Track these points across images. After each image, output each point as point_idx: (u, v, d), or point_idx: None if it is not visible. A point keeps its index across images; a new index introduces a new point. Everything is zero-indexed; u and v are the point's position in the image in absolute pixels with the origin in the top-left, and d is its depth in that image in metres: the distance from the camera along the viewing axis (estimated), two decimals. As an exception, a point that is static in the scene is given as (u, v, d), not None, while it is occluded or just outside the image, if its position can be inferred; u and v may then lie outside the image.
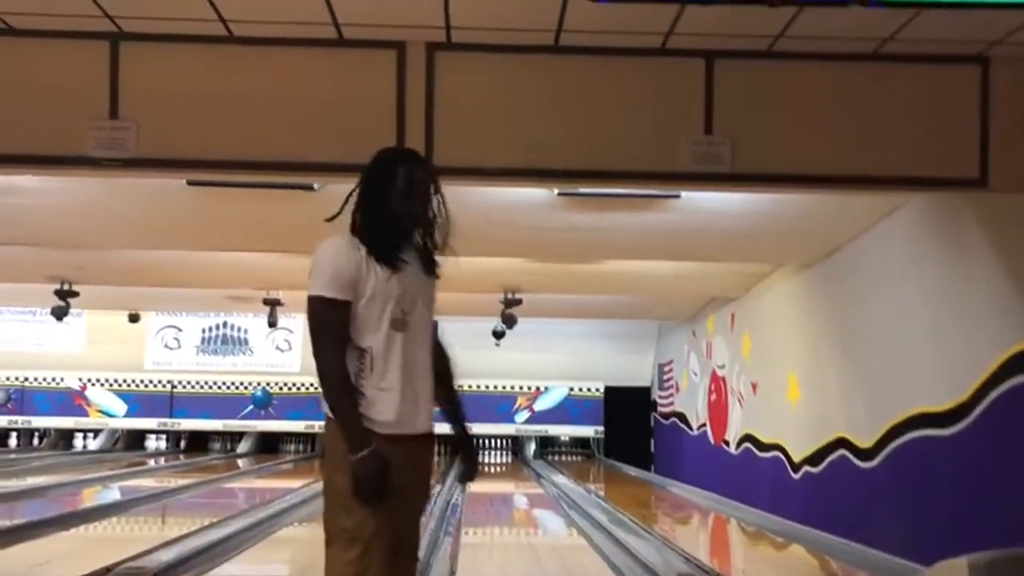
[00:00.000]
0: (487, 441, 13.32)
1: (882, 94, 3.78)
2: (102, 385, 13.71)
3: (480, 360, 11.32)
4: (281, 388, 13.72)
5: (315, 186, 5.14)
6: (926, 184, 3.92)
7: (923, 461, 5.13)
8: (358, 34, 3.69)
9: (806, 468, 6.82)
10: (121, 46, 3.71)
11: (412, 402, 2.40)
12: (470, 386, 13.31)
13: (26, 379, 13.59)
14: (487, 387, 13.05)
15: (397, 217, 2.42)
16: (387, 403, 2.37)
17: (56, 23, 3.59)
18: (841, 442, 6.18)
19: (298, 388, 13.68)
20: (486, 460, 12.81)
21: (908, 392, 5.28)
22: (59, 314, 8.65)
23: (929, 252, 5.13)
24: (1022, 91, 3.71)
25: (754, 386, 8.21)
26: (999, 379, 4.42)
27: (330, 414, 2.41)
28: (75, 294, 8.48)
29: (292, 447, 13.98)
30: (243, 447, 13.92)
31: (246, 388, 13.75)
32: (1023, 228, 4.34)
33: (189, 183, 4.78)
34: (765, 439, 7.81)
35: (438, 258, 2.53)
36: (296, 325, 13.23)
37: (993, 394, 4.46)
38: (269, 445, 13.84)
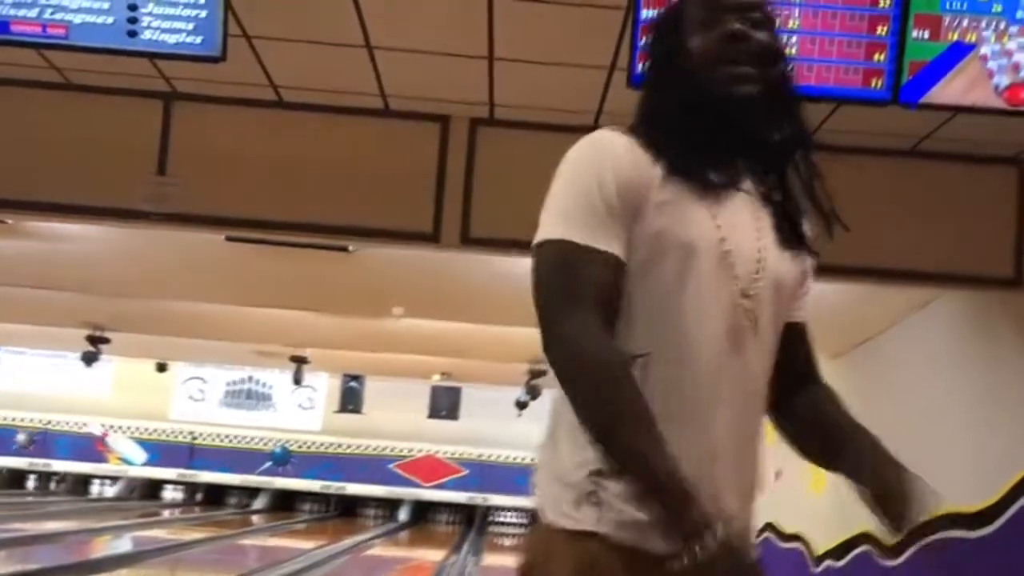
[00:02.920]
0: (504, 513, 13.16)
1: (919, 190, 3.79)
2: (124, 432, 13.76)
3: (502, 430, 11.26)
4: (300, 446, 13.68)
5: (350, 248, 5.22)
6: (960, 281, 3.90)
7: (949, 562, 5.00)
8: (404, 106, 3.78)
9: (828, 562, 6.65)
10: (174, 105, 3.84)
11: (713, 487, 1.22)
12: (490, 456, 13.22)
13: (49, 422, 13.67)
14: (507, 458, 12.93)
15: (706, 96, 1.28)
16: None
17: (114, 80, 3.72)
18: (866, 537, 6.04)
19: (318, 447, 13.64)
20: (504, 531, 12.63)
21: (936, 489, 5.17)
22: (89, 360, 8.75)
23: (962, 348, 5.08)
24: (1059, 194, 3.71)
25: (778, 474, 8.08)
26: (1031, 483, 4.32)
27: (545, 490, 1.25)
28: (107, 340, 8.59)
29: (308, 506, 13.88)
30: (259, 503, 13.85)
31: (266, 444, 13.74)
32: (1058, 330, 4.29)
33: (228, 239, 4.87)
34: (787, 529, 7.65)
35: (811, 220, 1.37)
36: (320, 384, 13.26)
37: (1023, 500, 4.36)
38: (285, 503, 13.76)
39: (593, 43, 3.16)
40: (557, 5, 2.98)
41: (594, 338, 1.17)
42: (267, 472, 13.66)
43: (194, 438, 13.70)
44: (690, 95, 1.27)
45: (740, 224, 1.26)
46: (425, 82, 3.58)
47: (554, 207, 1.24)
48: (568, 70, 3.34)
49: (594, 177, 1.22)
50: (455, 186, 3.79)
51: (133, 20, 2.58)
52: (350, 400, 13.76)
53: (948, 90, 2.51)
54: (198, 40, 2.58)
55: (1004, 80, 2.50)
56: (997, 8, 2.47)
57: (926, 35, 2.47)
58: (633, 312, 1.21)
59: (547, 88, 3.49)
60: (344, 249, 5.19)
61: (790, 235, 1.31)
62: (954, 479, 5.02)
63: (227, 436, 13.71)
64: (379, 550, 10.57)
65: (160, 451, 13.71)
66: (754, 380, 1.27)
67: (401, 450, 13.55)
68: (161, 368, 11.84)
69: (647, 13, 2.53)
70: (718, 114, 1.26)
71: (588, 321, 1.17)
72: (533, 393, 8.62)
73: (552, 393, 1.27)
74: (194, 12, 2.56)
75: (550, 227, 1.23)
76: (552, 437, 1.24)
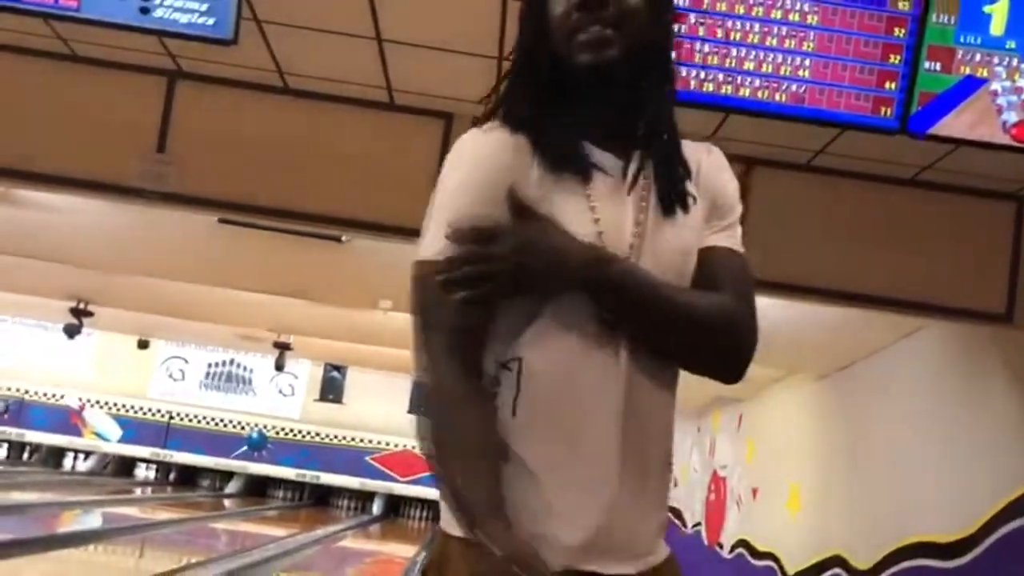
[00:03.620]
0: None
1: (916, 219, 3.81)
2: (101, 407, 13.66)
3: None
4: (278, 433, 13.63)
5: (343, 238, 5.20)
6: (951, 314, 3.92)
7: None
8: (409, 101, 3.76)
9: (799, 582, 6.68)
10: (178, 84, 3.80)
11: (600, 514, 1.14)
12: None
13: (27, 391, 13.56)
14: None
15: (567, 72, 1.19)
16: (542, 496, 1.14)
17: (118, 55, 3.68)
18: (837, 560, 6.06)
19: (295, 435, 13.59)
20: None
21: (912, 518, 5.19)
22: (71, 332, 8.69)
23: (948, 379, 5.10)
24: (1055, 233, 3.74)
25: (754, 491, 8.10)
26: (1009, 516, 4.34)
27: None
28: (90, 314, 8.53)
29: (281, 494, 13.82)
30: (232, 487, 13.78)
31: (243, 428, 13.67)
32: (1044, 368, 4.32)
33: (221, 220, 4.84)
34: (760, 547, 7.67)
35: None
36: (302, 371, 13.20)
37: (1000, 532, 4.38)
38: (258, 489, 13.69)
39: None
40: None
41: (450, 366, 1.13)
42: (242, 456, 13.60)
43: (171, 418, 13.62)
44: (550, 73, 1.17)
45: (616, 210, 1.16)
46: (432, 78, 3.56)
47: (430, 221, 1.18)
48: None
49: (467, 190, 1.15)
50: (455, 184, 3.77)
51: (146, -3, 2.56)
52: (331, 390, 13.71)
53: (956, 123, 2.52)
54: (211, 22, 2.56)
55: (1012, 117, 2.52)
56: (1011, 44, 2.48)
57: (938, 67, 2.48)
58: (509, 319, 1.14)
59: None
60: (337, 239, 5.16)
61: (672, 202, 1.19)
62: (931, 508, 5.05)
63: (204, 418, 13.63)
64: (350, 542, 10.54)
65: (136, 428, 13.63)
66: (643, 377, 1.14)
67: (379, 443, 13.52)
68: (143, 345, 11.77)
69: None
70: (582, 89, 1.17)
71: (452, 347, 1.13)
72: (515, 395, 8.60)
73: None
74: (210, -6, 2.54)
75: (427, 245, 1.16)
76: None
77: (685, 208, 1.20)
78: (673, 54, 1.24)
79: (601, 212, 1.15)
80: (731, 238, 1.23)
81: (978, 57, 2.48)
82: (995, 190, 3.73)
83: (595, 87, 1.17)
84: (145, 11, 2.54)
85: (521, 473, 1.11)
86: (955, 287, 3.81)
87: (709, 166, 1.26)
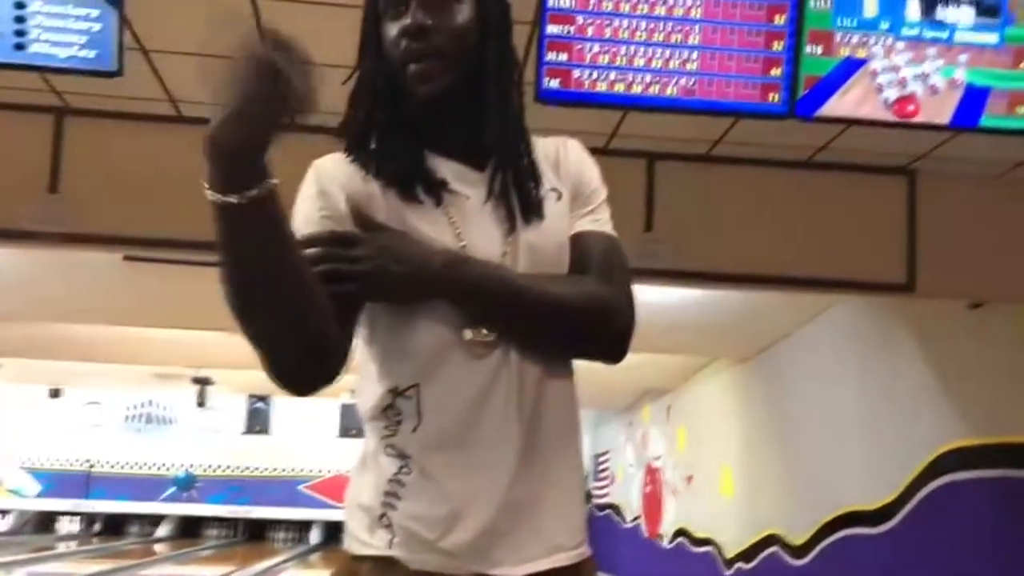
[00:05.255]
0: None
1: (815, 200, 3.93)
2: (14, 462, 13.12)
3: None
4: (206, 470, 13.29)
5: (255, 266, 5.11)
6: (856, 287, 4.05)
7: (852, 560, 5.17)
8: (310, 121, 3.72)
9: (739, 564, 6.80)
10: (66, 121, 3.68)
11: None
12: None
13: (-67, 454, 12.95)
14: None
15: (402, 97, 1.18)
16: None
17: (1, 95, 3.55)
18: (774, 539, 6.20)
19: (224, 471, 13.27)
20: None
21: (839, 490, 5.35)
22: (-24, 388, 8.32)
23: (860, 351, 5.28)
24: (945, 203, 3.90)
25: (688, 479, 8.23)
26: (926, 479, 4.51)
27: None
28: (-5, 367, 8.19)
29: (214, 532, 13.47)
30: (162, 531, 13.38)
31: (168, 469, 13.29)
32: (948, 332, 4.50)
33: (126, 258, 4.71)
34: (698, 534, 7.80)
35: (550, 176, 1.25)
36: (226, 405, 12.90)
37: (920, 494, 4.55)
38: (190, 530, 13.33)
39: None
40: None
41: None
42: (170, 498, 13.22)
43: (91, 466, 13.15)
44: (392, 93, 1.17)
45: (480, 222, 1.15)
46: (331, 99, 3.53)
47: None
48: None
49: (309, 225, 1.14)
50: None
51: (21, 33, 2.47)
52: (257, 421, 13.44)
53: (841, 104, 2.61)
54: (92, 54, 2.48)
55: (892, 94, 2.62)
56: (884, 25, 2.58)
57: (819, 51, 2.56)
58: (392, 347, 1.14)
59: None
60: (248, 267, 5.07)
61: (531, 206, 1.18)
62: (855, 479, 5.20)
63: (127, 463, 13.21)
64: (291, 574, 10.34)
65: (54, 481, 13.12)
66: (534, 373, 1.15)
67: (311, 470, 13.30)
68: (54, 394, 11.34)
69: (552, 29, 2.56)
70: (418, 116, 1.17)
71: None
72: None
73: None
74: (87, 25, 2.47)
75: None
76: (361, 462, 1.19)
77: (541, 214, 1.19)
78: (513, 65, 1.21)
79: (463, 226, 1.15)
80: (596, 222, 1.24)
81: (855, 39, 2.57)
82: (887, 165, 3.87)
83: (435, 113, 1.18)
84: (20, 47, 2.45)
85: (425, 484, 1.13)
86: (858, 262, 3.94)
87: (567, 158, 1.27)
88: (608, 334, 1.19)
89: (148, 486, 13.15)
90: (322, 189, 1.16)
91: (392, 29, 1.17)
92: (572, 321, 1.16)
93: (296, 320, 1.05)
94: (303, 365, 1.07)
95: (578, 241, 1.21)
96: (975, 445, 4.23)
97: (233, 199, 0.99)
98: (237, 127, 0.98)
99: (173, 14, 3.00)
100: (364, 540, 1.15)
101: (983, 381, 4.26)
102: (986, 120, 2.64)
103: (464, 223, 1.15)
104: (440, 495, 1.11)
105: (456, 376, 1.12)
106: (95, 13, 2.49)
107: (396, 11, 1.17)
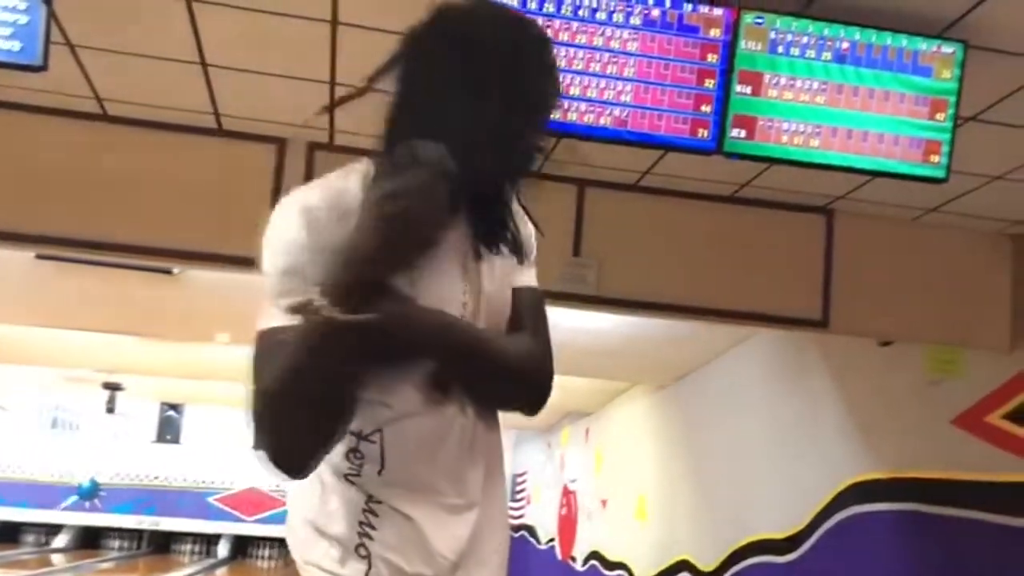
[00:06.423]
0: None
1: (737, 233, 4.02)
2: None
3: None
4: (112, 479, 12.86)
5: (174, 270, 4.99)
6: (773, 321, 4.15)
7: (761, 587, 5.27)
8: (238, 127, 3.66)
9: (650, 589, 6.87)
10: (-16, 112, 3.56)
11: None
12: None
13: None
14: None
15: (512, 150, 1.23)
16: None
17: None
18: (684, 565, 6.29)
19: (131, 480, 12.87)
20: None
21: (750, 518, 5.46)
22: None
23: (774, 383, 5.41)
24: (860, 243, 4.04)
25: (604, 503, 8.29)
26: (833, 510, 4.64)
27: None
28: None
29: (117, 543, 13.03)
30: (60, 541, 12.88)
31: (72, 477, 12.82)
32: (859, 367, 4.65)
33: (38, 257, 4.56)
34: (611, 557, 7.85)
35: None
36: (136, 412, 12.54)
37: (827, 524, 4.68)
38: (90, 540, 12.86)
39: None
40: (397, 35, 2.97)
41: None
42: (72, 507, 12.73)
43: (-11, 471, 12.61)
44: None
45: (440, 278, 1.19)
46: (262, 104, 3.49)
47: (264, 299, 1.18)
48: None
49: (292, 276, 1.18)
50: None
51: (-61, 20, 2.38)
52: (168, 430, 13.07)
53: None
54: (16, 47, 2.40)
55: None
56: (808, 69, 2.67)
57: (748, 91, 2.63)
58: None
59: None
60: (168, 271, 4.95)
61: (496, 253, 1.27)
62: (765, 507, 5.32)
63: (27, 468, 12.69)
64: (195, 588, 10.05)
65: (-53, 485, 12.53)
66: (483, 421, 1.26)
67: (222, 482, 12.98)
68: (-47, 394, 10.85)
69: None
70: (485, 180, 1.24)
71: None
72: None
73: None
74: (13, 17, 2.39)
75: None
76: (320, 483, 1.20)
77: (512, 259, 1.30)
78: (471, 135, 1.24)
79: (427, 266, 1.16)
80: (531, 276, 1.34)
81: (783, 81, 2.66)
82: (806, 204, 4.00)
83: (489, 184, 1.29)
84: (-61, 36, 2.36)
85: (396, 516, 1.19)
86: (776, 296, 4.04)
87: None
88: (540, 393, 1.30)
89: (49, 493, 12.66)
90: (305, 206, 1.22)
91: (524, 115, 1.24)
92: (519, 382, 1.28)
93: (331, 437, 1.14)
94: (313, 462, 1.14)
95: (517, 295, 1.30)
96: (881, 479, 4.37)
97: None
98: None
99: (102, 11, 2.93)
100: (333, 571, 1.17)
101: (891, 416, 4.41)
102: (901, 166, 2.75)
103: (428, 264, 1.15)
104: (412, 529, 1.18)
105: (418, 423, 1.19)
106: (23, 5, 2.41)
107: (540, 106, 1.28)
